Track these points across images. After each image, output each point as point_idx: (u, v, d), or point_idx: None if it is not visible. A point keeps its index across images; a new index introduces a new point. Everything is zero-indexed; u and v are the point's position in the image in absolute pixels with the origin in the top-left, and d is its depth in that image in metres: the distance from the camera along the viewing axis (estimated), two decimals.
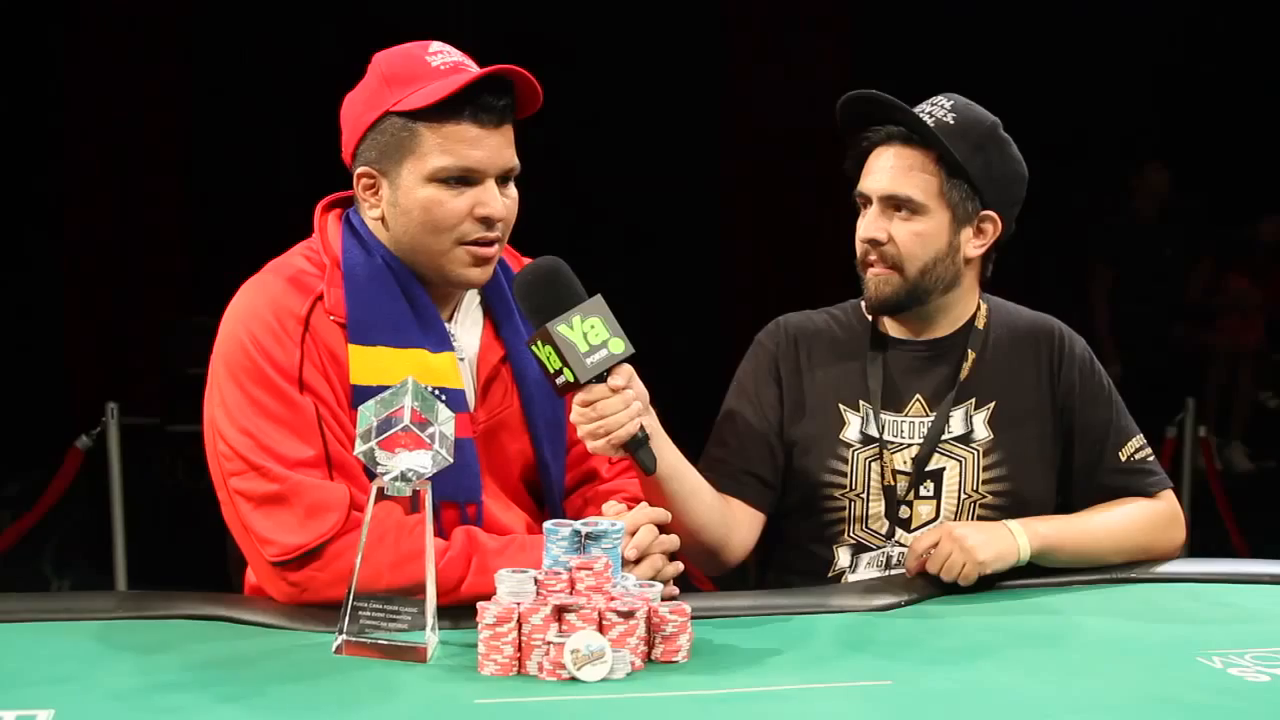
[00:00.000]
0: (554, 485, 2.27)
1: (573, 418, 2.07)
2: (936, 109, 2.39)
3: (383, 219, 2.15)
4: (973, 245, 2.42)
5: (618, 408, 2.04)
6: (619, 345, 2.02)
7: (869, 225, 2.40)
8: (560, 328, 1.99)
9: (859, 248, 2.43)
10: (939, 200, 2.37)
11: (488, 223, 2.12)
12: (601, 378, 2.03)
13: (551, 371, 2.02)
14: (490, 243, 2.13)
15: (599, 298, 2.03)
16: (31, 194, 7.38)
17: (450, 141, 2.08)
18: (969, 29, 8.19)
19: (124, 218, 7.46)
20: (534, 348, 2.02)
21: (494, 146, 2.11)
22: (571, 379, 2.01)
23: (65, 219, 7.49)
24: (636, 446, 2.07)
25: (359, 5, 7.53)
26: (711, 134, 8.23)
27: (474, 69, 2.13)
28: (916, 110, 2.39)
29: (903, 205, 2.37)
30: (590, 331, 2.00)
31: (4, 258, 7.27)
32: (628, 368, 2.05)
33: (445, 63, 2.12)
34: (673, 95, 7.94)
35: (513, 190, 2.17)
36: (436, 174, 2.09)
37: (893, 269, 2.39)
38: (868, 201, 2.41)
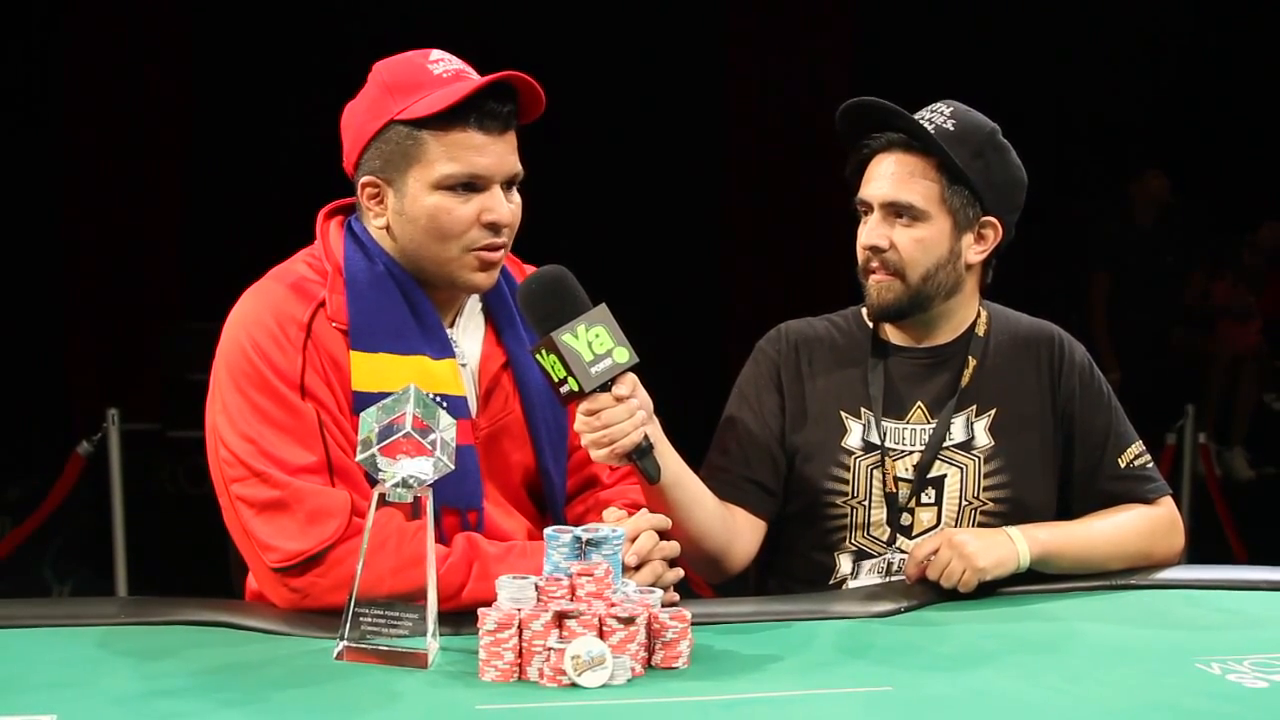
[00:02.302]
0: (555, 492, 2.27)
1: (576, 427, 2.07)
2: (936, 115, 2.39)
3: (388, 228, 2.16)
4: (974, 251, 2.42)
5: (622, 417, 2.04)
6: (623, 354, 2.02)
7: (870, 232, 2.41)
8: (565, 336, 1.99)
9: (860, 255, 2.44)
10: (940, 207, 2.37)
11: (494, 228, 2.13)
12: (606, 387, 2.03)
13: (556, 380, 2.02)
14: (497, 248, 2.14)
15: (603, 306, 2.03)
16: (31, 199, 7.38)
17: (456, 149, 2.09)
18: (969, 33, 8.20)
19: (124, 223, 7.45)
20: (538, 356, 2.02)
21: (499, 153, 2.11)
22: (576, 388, 2.01)
23: (65, 224, 7.49)
24: (640, 455, 2.07)
25: (359, 14, 7.54)
26: (712, 138, 8.23)
27: (474, 76, 2.14)
28: (916, 117, 2.39)
29: (904, 212, 2.38)
30: (595, 340, 2.01)
31: (4, 263, 7.27)
32: (632, 376, 2.06)
33: (447, 70, 2.12)
34: (673, 99, 7.95)
35: (516, 195, 2.17)
36: (443, 181, 2.10)
37: (894, 275, 2.40)
38: (869, 209, 2.42)
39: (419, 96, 2.09)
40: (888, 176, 2.39)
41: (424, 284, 2.17)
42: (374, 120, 2.12)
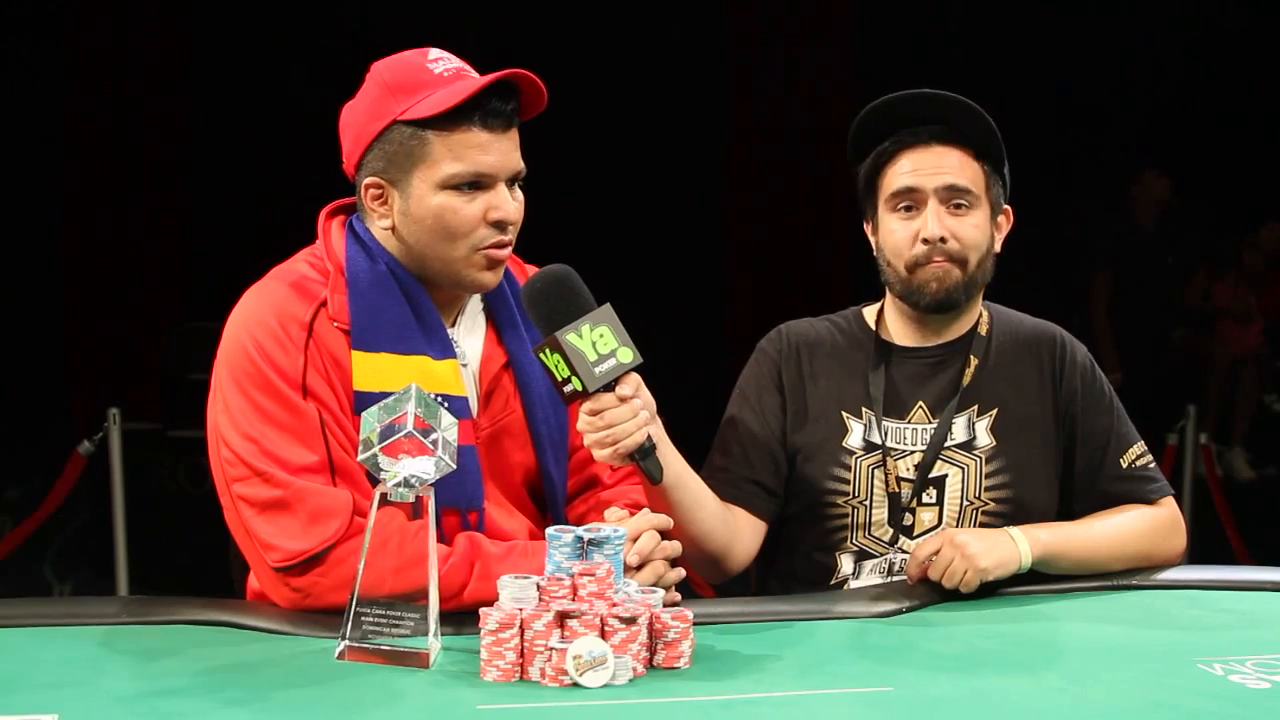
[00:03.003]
0: (556, 492, 2.27)
1: (580, 426, 2.07)
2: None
3: (393, 228, 2.16)
4: (998, 240, 2.44)
5: (625, 417, 2.04)
6: (628, 354, 2.02)
7: (933, 223, 2.36)
8: (569, 336, 1.99)
9: (917, 248, 2.38)
10: (986, 195, 2.40)
11: (501, 226, 2.13)
12: (609, 386, 2.03)
13: (559, 380, 2.02)
14: (504, 245, 2.14)
15: (608, 306, 2.03)
16: (32, 199, 7.39)
17: (461, 148, 2.09)
18: (970, 32, 8.20)
19: (125, 222, 7.46)
20: (542, 356, 2.02)
21: (503, 150, 2.12)
22: (579, 388, 2.01)
23: (66, 224, 7.49)
24: (643, 456, 2.07)
25: (359, 13, 7.54)
26: (713, 138, 8.23)
27: (473, 74, 2.14)
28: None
29: (961, 198, 2.37)
30: (599, 340, 2.01)
31: (5, 263, 7.27)
32: (635, 377, 2.06)
33: (447, 69, 2.12)
34: (674, 99, 7.95)
35: (519, 193, 2.18)
36: (448, 181, 2.10)
37: (955, 263, 2.39)
38: (914, 201, 2.39)
39: (421, 96, 2.09)
40: (939, 165, 2.37)
41: (426, 284, 2.17)
42: (375, 121, 2.12)
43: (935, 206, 2.38)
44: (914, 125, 2.40)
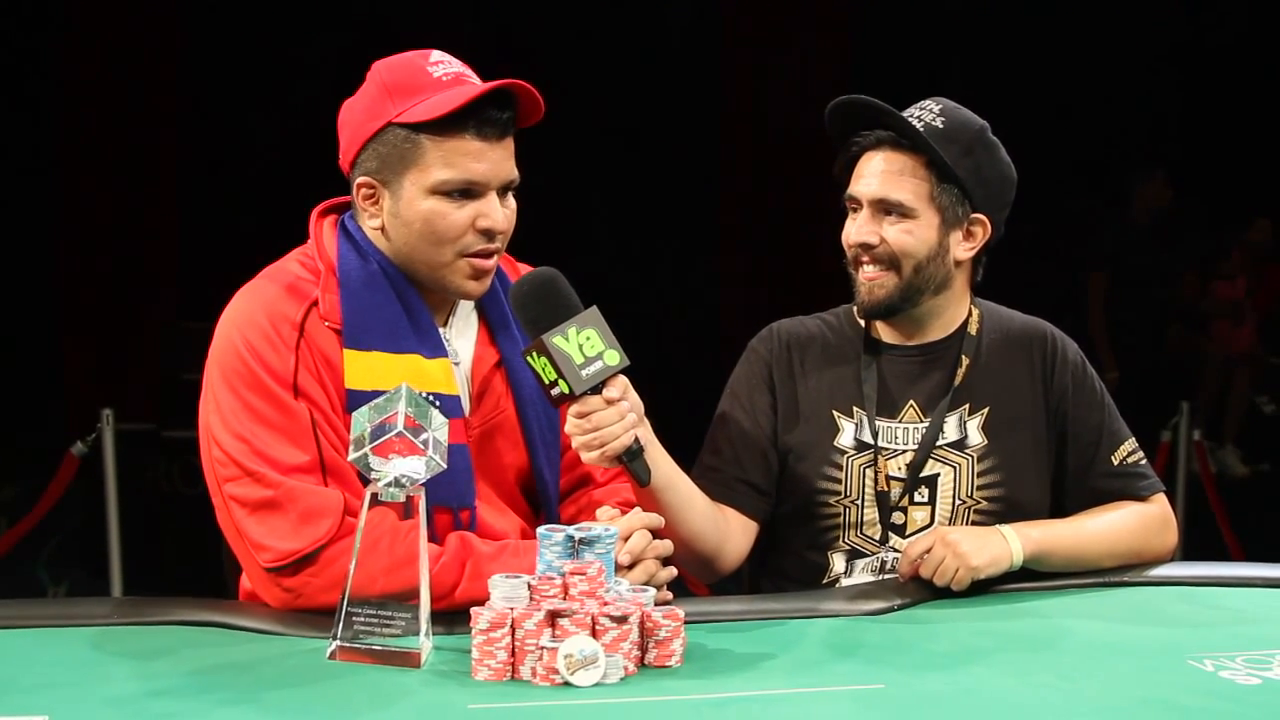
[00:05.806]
0: (548, 491, 2.27)
1: (567, 429, 2.07)
2: (925, 113, 2.39)
3: (383, 229, 2.16)
4: (963, 248, 2.42)
5: (613, 419, 2.04)
6: (614, 357, 2.02)
7: (860, 230, 2.40)
8: (556, 339, 1.99)
9: (850, 251, 2.44)
10: (929, 204, 2.37)
11: (489, 235, 2.13)
12: (597, 389, 2.03)
13: (547, 383, 2.02)
14: (490, 254, 2.14)
15: (595, 309, 2.03)
16: (26, 200, 7.38)
17: (453, 155, 2.09)
18: (968, 32, 8.20)
19: (119, 223, 7.45)
20: (529, 359, 2.02)
21: (496, 159, 2.11)
22: (566, 390, 2.01)
23: (61, 224, 7.48)
24: (631, 458, 2.07)
25: (355, 12, 7.54)
26: (709, 138, 8.23)
27: (474, 79, 2.14)
28: (904, 114, 2.39)
29: (893, 209, 2.38)
30: (586, 343, 2.01)
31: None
32: (623, 379, 2.06)
33: (447, 74, 2.12)
34: (670, 98, 7.94)
35: (511, 201, 2.17)
36: (439, 187, 2.10)
37: (889, 269, 2.39)
38: (858, 205, 2.42)
39: (418, 100, 2.09)
40: (877, 174, 2.39)
41: (417, 284, 2.17)
42: (372, 121, 2.12)
43: (865, 213, 2.40)
44: (871, 128, 2.41)
